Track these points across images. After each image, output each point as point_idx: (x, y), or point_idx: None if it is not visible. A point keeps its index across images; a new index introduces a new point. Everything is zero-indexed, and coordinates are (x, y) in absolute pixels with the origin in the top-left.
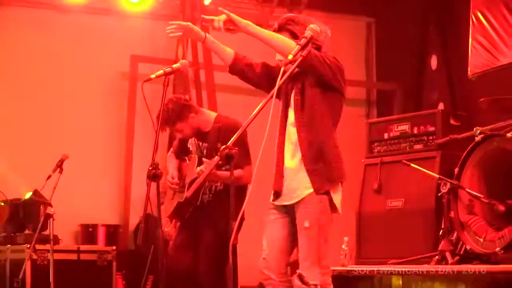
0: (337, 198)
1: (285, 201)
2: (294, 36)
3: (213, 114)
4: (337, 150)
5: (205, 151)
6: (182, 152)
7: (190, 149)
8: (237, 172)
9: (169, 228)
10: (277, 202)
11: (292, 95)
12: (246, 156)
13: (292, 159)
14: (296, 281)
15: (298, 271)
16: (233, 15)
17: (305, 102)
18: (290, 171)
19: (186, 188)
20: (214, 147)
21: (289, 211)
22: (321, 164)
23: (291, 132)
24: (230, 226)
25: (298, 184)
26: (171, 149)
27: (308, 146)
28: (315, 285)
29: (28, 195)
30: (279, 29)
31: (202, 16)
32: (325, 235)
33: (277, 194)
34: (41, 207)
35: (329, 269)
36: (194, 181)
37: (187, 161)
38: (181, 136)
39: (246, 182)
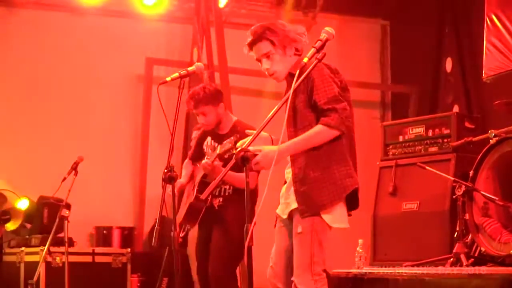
0: (329, 218)
1: (282, 213)
2: (274, 44)
3: (234, 118)
4: (328, 172)
5: None
6: (198, 157)
7: (205, 150)
8: (242, 175)
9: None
10: (278, 212)
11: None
12: None
13: (288, 170)
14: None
15: (292, 278)
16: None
17: (297, 120)
18: (288, 184)
19: (195, 187)
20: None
21: (290, 221)
22: (305, 188)
23: None
24: (244, 230)
25: (291, 200)
26: (188, 156)
27: (297, 166)
28: None
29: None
30: (257, 40)
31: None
32: (319, 241)
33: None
34: (56, 209)
35: (323, 275)
36: (203, 179)
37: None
38: (203, 122)
39: (250, 186)
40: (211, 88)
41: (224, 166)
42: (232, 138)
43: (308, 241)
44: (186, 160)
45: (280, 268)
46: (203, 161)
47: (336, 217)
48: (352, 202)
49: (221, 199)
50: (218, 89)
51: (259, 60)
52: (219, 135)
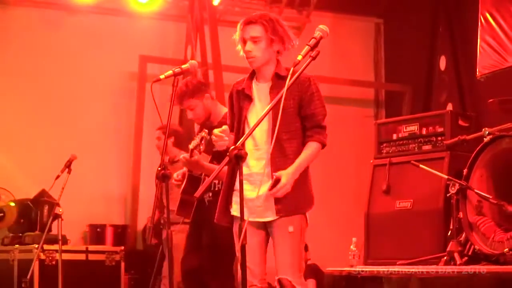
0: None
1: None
2: (266, 32)
3: (225, 109)
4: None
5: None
6: None
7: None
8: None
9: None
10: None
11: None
12: None
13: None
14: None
15: (280, 276)
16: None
17: (282, 121)
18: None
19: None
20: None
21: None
22: (296, 191)
23: None
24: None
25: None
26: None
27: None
28: None
29: None
30: (255, 21)
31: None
32: (303, 240)
33: None
34: (49, 207)
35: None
36: (190, 173)
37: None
38: (192, 116)
39: None
40: (194, 82)
41: (212, 158)
42: (201, 133)
43: (298, 240)
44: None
45: (255, 266)
46: (181, 156)
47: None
48: None
49: (210, 194)
50: (201, 81)
51: (244, 40)
52: (212, 127)
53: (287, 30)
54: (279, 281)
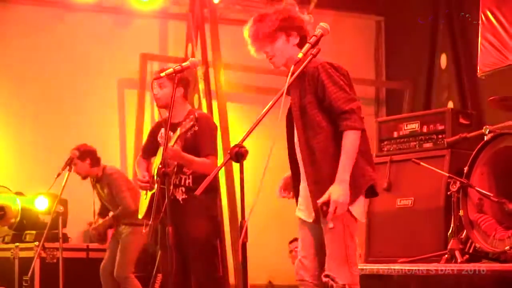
0: (356, 211)
1: (307, 217)
2: (280, 30)
3: (188, 107)
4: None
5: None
6: (151, 150)
7: (160, 141)
8: (202, 160)
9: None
10: (300, 215)
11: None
12: (214, 146)
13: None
14: (324, 279)
15: (326, 272)
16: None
17: (306, 123)
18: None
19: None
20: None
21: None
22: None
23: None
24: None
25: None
26: (139, 154)
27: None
28: (344, 285)
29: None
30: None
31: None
32: (351, 233)
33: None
34: (50, 205)
35: (357, 266)
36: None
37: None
38: (156, 93)
39: (209, 172)
40: (181, 65)
41: (183, 150)
42: (192, 116)
43: (341, 234)
44: (138, 158)
45: (309, 261)
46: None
47: (360, 210)
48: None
49: (183, 189)
50: (187, 76)
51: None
52: (173, 124)
53: (302, 18)
54: (325, 276)
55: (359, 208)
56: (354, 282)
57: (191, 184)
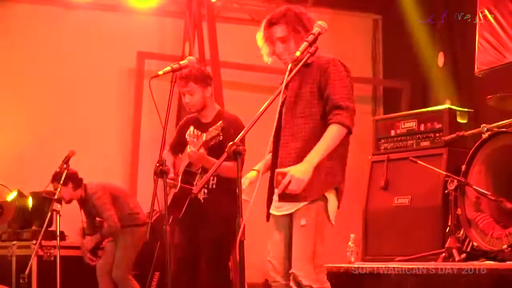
0: (330, 208)
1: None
2: (293, 30)
3: (217, 107)
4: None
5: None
6: (179, 146)
7: (188, 140)
8: (229, 164)
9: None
10: (273, 211)
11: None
12: None
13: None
14: (291, 284)
15: (291, 271)
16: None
17: (297, 107)
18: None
19: (179, 177)
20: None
21: (286, 217)
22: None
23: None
24: (230, 224)
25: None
26: (168, 147)
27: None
28: (310, 286)
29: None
30: (279, 21)
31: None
32: (321, 235)
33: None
34: (47, 203)
35: (323, 267)
36: (187, 169)
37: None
38: (188, 101)
39: (233, 175)
40: (202, 69)
41: (208, 154)
42: (218, 124)
43: (312, 233)
44: (165, 151)
45: (278, 262)
46: (189, 150)
47: (333, 210)
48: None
49: (205, 191)
50: (208, 73)
51: (272, 41)
52: (202, 124)
53: (313, 20)
54: (291, 275)
55: (333, 207)
56: (321, 281)
57: (214, 186)
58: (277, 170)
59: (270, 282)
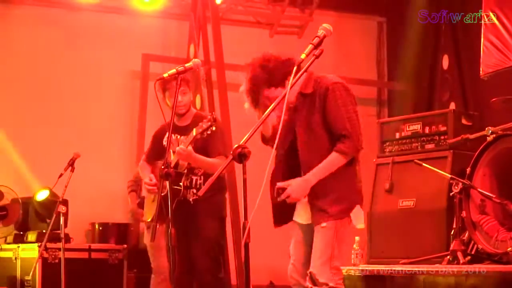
0: (353, 215)
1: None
2: (275, 87)
3: (193, 110)
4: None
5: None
6: (156, 154)
7: (166, 145)
8: (213, 160)
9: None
10: (297, 219)
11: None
12: (224, 146)
13: None
14: (307, 283)
15: (309, 270)
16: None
17: (311, 142)
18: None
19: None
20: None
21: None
22: (328, 199)
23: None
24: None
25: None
26: (142, 157)
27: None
28: (326, 283)
29: (42, 193)
30: (257, 94)
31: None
32: (341, 237)
33: None
34: (52, 205)
35: (340, 270)
36: (175, 170)
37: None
38: (180, 100)
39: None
40: (196, 76)
41: (195, 151)
42: (209, 116)
43: (331, 235)
44: (141, 162)
45: (301, 264)
46: (178, 148)
47: (357, 216)
48: None
49: (194, 191)
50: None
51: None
52: (180, 128)
53: (282, 58)
54: (309, 274)
55: (358, 214)
56: (337, 282)
57: (202, 185)
58: (278, 184)
59: (293, 285)
